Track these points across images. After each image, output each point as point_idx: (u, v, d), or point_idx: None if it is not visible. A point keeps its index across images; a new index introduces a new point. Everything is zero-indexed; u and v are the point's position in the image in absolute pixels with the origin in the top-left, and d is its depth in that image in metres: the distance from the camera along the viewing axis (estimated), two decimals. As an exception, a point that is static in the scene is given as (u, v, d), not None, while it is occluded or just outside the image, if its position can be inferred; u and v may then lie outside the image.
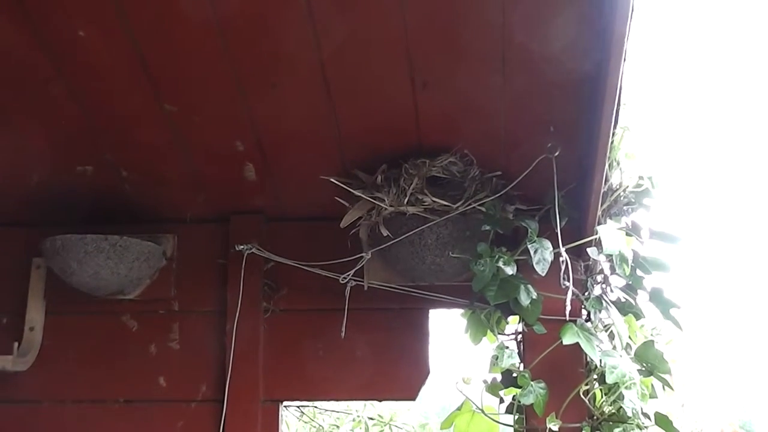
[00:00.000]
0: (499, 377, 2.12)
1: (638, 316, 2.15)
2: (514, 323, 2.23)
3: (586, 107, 1.93)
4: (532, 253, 1.97)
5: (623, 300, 2.15)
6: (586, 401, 2.03)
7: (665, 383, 2.03)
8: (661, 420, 2.00)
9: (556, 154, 2.01)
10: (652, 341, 2.06)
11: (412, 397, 2.30)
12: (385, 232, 2.11)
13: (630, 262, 2.00)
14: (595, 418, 2.05)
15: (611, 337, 2.10)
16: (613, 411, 2.03)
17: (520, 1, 1.73)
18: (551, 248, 1.98)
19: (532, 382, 2.01)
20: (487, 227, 2.06)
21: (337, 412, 2.90)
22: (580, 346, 1.96)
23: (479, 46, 1.84)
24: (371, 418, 3.06)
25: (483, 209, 2.08)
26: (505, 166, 2.13)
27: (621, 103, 1.94)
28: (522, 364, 2.13)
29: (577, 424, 2.04)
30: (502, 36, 1.80)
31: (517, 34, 1.80)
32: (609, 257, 2.03)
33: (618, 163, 2.13)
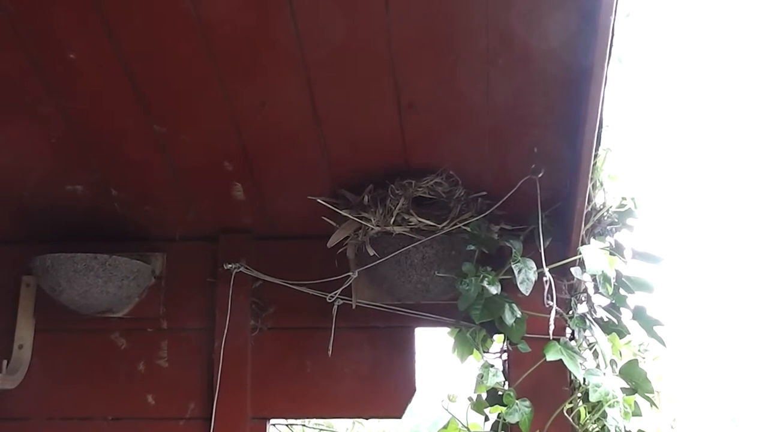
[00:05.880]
0: (484, 395, 2.14)
1: (622, 334, 2.17)
2: (499, 342, 2.25)
3: (569, 128, 1.96)
4: (516, 272, 1.99)
5: (607, 319, 2.18)
6: (570, 419, 2.05)
7: (650, 401, 2.05)
8: (644, 438, 2.02)
9: (540, 175, 2.04)
10: (637, 360, 2.09)
11: (398, 414, 2.31)
12: (371, 252, 2.13)
13: (613, 281, 2.03)
14: (579, 436, 2.07)
15: (595, 355, 2.12)
16: (597, 429, 2.04)
17: (502, 20, 1.75)
18: (535, 268, 2.00)
19: (517, 401, 2.02)
20: (472, 247, 2.08)
21: (325, 431, 2.90)
22: (564, 364, 1.98)
23: (464, 67, 1.87)
24: (361, 439, 3.05)
25: (468, 229, 2.09)
26: (490, 187, 2.15)
27: (604, 124, 1.97)
28: (507, 383, 2.15)
29: (562, 442, 2.05)
30: (487, 58, 1.83)
31: (501, 56, 1.83)
32: (593, 276, 2.05)
33: (601, 184, 2.16)
